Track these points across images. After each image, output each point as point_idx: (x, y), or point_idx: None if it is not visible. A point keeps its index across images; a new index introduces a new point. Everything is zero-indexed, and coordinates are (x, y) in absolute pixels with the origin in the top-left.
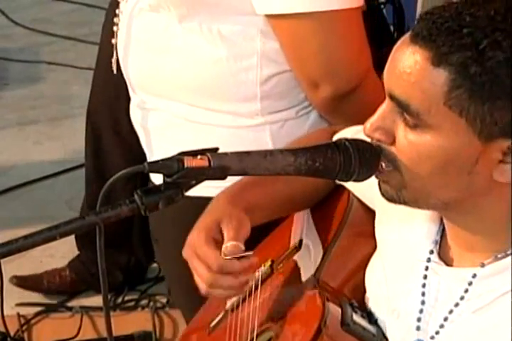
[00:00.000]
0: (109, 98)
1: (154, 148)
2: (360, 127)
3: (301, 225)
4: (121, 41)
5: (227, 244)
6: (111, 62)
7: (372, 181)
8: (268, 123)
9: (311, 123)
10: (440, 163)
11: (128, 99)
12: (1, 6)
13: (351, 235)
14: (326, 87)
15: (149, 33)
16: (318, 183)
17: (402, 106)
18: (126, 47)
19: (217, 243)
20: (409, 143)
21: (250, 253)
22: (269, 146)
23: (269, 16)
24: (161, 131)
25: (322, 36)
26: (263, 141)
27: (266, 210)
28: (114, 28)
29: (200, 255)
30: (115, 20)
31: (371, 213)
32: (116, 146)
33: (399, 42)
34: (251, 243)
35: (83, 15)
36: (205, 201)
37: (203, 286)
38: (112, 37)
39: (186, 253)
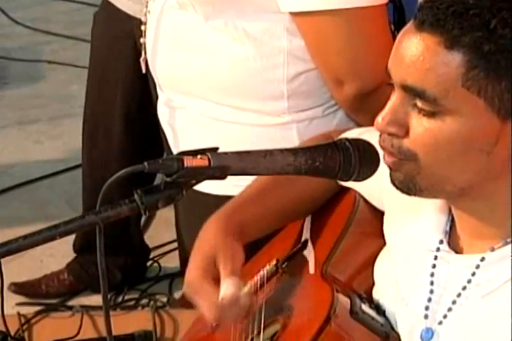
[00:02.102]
0: (104, 99)
1: (181, 147)
2: (362, 129)
3: (306, 225)
4: (149, 40)
5: (226, 287)
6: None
7: (379, 181)
8: (295, 122)
9: (337, 122)
10: (461, 147)
11: (124, 100)
12: (1, 5)
13: (358, 234)
14: (350, 84)
15: (177, 31)
16: (315, 192)
17: (418, 94)
18: (155, 45)
19: (215, 279)
20: (426, 132)
21: (248, 289)
22: (296, 145)
23: (293, 14)
24: (188, 129)
25: (346, 34)
26: (290, 139)
27: (261, 225)
28: (142, 27)
29: (203, 293)
30: (143, 19)
31: (378, 214)
32: (110, 147)
33: (401, 34)
34: (255, 245)
35: (84, 15)
36: None
37: (210, 319)
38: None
39: (188, 292)
